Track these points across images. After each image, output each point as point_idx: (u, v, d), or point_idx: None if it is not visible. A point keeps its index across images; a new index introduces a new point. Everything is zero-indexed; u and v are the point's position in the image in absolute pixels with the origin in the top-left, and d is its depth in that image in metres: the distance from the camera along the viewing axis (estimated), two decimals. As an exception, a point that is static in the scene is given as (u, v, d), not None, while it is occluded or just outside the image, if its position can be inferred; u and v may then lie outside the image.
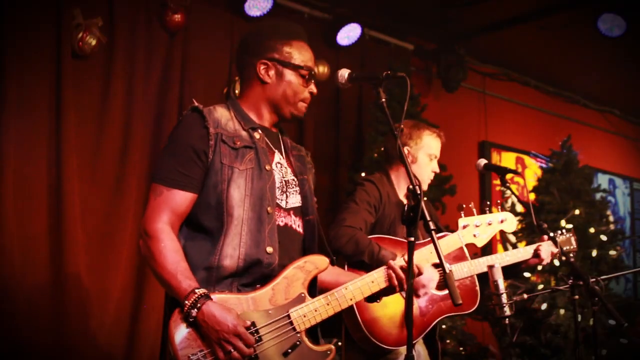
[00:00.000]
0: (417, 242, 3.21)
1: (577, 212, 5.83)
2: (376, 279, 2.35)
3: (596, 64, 6.69)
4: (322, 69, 5.53)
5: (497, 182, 6.53)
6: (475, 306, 3.32)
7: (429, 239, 2.86)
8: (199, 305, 2.07)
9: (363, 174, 5.31)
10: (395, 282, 2.35)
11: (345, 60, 5.73)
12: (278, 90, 2.39)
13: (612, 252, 5.79)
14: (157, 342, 4.41)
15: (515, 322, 5.71)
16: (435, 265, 3.29)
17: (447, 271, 2.10)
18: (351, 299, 2.31)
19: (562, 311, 5.56)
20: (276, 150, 2.42)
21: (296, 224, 2.39)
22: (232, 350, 2.06)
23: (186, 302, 2.08)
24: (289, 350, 2.17)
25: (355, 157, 5.76)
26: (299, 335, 2.21)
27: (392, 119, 2.29)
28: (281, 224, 2.33)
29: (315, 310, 2.24)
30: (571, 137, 6.30)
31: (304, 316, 2.22)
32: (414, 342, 3.15)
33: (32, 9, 4.12)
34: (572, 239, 3.62)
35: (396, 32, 6.16)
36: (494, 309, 3.03)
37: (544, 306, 5.60)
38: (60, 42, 4.20)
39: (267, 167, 2.33)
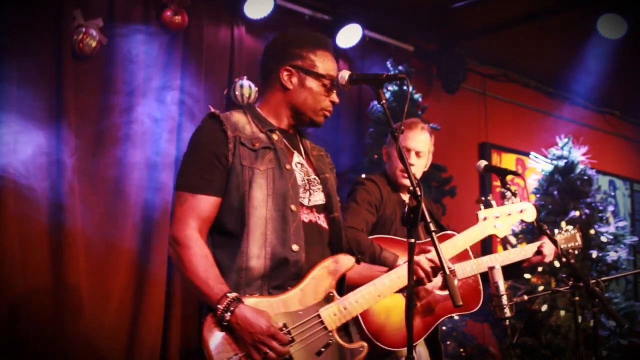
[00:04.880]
0: (424, 240, 3.23)
1: (577, 213, 5.83)
2: (402, 275, 2.38)
3: (596, 65, 6.69)
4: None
5: (497, 183, 6.53)
6: (479, 305, 3.32)
7: (440, 233, 2.87)
8: (231, 308, 2.10)
9: (363, 175, 5.31)
10: (422, 275, 2.43)
11: (345, 62, 5.74)
12: (299, 97, 2.42)
13: (613, 254, 5.79)
14: (157, 342, 4.44)
15: (516, 323, 5.71)
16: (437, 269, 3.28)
17: (447, 272, 2.09)
18: (379, 296, 2.35)
19: (562, 312, 5.56)
20: (295, 151, 2.45)
21: (321, 220, 2.41)
22: (268, 351, 2.09)
23: (219, 306, 2.11)
24: (322, 350, 2.20)
25: (356, 159, 5.76)
26: (330, 334, 2.23)
27: (392, 120, 2.30)
28: (306, 220, 2.35)
29: (345, 309, 2.27)
30: (571, 138, 6.30)
31: (334, 315, 2.24)
32: (415, 343, 3.14)
33: (33, 10, 4.12)
34: (577, 235, 3.61)
35: (396, 33, 6.16)
36: (494, 310, 3.03)
37: (544, 307, 5.60)
38: (61, 43, 4.20)
39: (288, 167, 2.35)
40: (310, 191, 2.40)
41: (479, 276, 3.34)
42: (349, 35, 5.62)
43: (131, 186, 4.44)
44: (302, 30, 2.57)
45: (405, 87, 5.37)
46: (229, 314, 2.09)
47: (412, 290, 2.10)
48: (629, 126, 9.10)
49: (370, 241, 3.09)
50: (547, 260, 3.40)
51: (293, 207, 2.29)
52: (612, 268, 5.78)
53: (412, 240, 2.11)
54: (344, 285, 2.38)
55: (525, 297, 3.23)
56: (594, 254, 5.74)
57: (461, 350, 5.42)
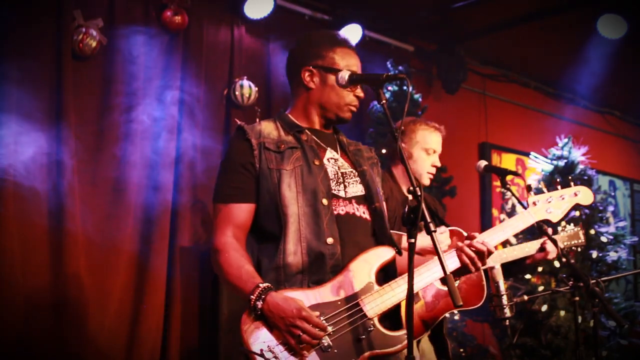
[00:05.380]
0: (448, 228, 3.22)
1: (577, 213, 5.83)
2: (436, 266, 2.36)
3: (596, 65, 6.69)
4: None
5: (498, 183, 6.53)
6: (482, 301, 3.30)
7: (450, 228, 2.84)
8: (263, 297, 2.15)
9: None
10: (467, 261, 2.39)
11: (346, 62, 5.74)
12: (323, 95, 2.46)
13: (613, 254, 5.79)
14: (157, 342, 4.45)
15: (516, 324, 5.71)
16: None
17: (448, 273, 2.08)
18: (418, 284, 2.35)
19: (562, 312, 5.56)
20: (328, 148, 2.48)
21: (360, 211, 2.42)
22: (301, 333, 2.11)
23: (251, 296, 2.16)
24: (363, 337, 2.21)
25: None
26: (371, 321, 2.25)
27: (392, 121, 2.30)
28: (342, 212, 2.37)
29: (385, 296, 2.28)
30: (571, 138, 6.30)
31: (374, 302, 2.26)
32: (418, 339, 3.14)
33: (33, 10, 4.12)
34: (580, 233, 3.61)
35: (396, 34, 6.16)
36: (494, 310, 3.03)
37: (544, 307, 5.60)
38: (61, 44, 4.20)
39: (317, 162, 2.39)
40: (345, 183, 2.43)
41: (482, 272, 3.33)
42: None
43: (131, 186, 4.44)
44: (322, 31, 2.64)
45: (405, 87, 5.37)
46: (260, 302, 2.14)
47: (411, 291, 2.09)
48: (629, 126, 9.11)
49: None
50: (550, 257, 3.40)
51: (325, 201, 2.33)
52: (612, 268, 5.78)
53: (412, 240, 2.11)
54: (391, 276, 2.37)
55: (525, 297, 3.24)
56: (594, 254, 5.74)
57: (461, 350, 5.42)
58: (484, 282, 3.32)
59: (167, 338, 4.49)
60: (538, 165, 6.33)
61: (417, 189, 2.13)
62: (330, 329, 2.18)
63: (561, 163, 6.15)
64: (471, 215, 7.16)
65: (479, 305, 3.29)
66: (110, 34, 4.46)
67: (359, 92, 2.48)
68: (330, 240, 2.30)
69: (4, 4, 3.99)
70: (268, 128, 2.44)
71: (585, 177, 6.11)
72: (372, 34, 5.94)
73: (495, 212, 7.39)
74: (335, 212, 2.35)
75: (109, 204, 4.39)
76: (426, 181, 3.47)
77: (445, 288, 3.16)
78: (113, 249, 4.34)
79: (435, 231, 2.13)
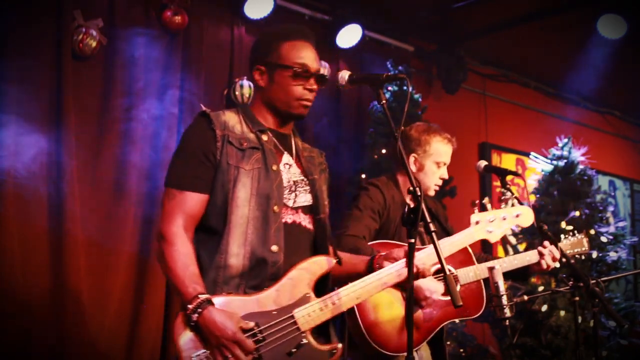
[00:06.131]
0: (418, 247, 3.22)
1: (577, 213, 5.83)
2: (383, 277, 2.35)
3: (596, 66, 6.69)
4: (322, 71, 5.53)
5: (498, 183, 6.52)
6: (481, 311, 3.30)
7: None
8: (199, 310, 2.12)
9: (363, 176, 5.31)
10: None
11: (346, 62, 5.74)
12: (272, 93, 2.42)
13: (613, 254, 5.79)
14: (157, 342, 4.45)
15: (516, 324, 5.71)
16: (437, 272, 3.27)
17: (447, 273, 2.08)
18: (357, 298, 2.32)
19: (562, 312, 5.56)
20: (285, 152, 2.44)
21: (306, 221, 2.41)
22: (230, 356, 2.09)
23: (189, 306, 2.14)
24: (294, 350, 2.19)
25: (356, 159, 5.76)
26: (303, 334, 2.22)
27: (392, 121, 2.28)
28: (289, 221, 2.35)
29: (321, 310, 2.25)
30: (571, 138, 6.30)
31: (309, 315, 2.23)
32: (417, 347, 3.13)
33: (33, 11, 4.12)
34: (584, 240, 3.58)
35: (396, 34, 6.16)
36: (494, 310, 3.03)
37: (544, 307, 5.60)
38: (61, 44, 4.20)
39: (274, 167, 2.35)
40: (296, 192, 2.39)
41: (482, 282, 3.33)
42: (349, 35, 5.62)
43: (131, 186, 4.44)
44: (275, 27, 2.56)
45: (405, 88, 5.37)
46: (196, 315, 2.12)
47: (411, 292, 2.10)
48: (629, 126, 9.11)
49: (370, 249, 3.06)
50: (545, 266, 3.36)
51: (276, 208, 2.30)
52: (612, 268, 5.78)
53: (412, 241, 2.11)
54: (327, 287, 2.36)
55: (525, 297, 3.23)
56: (594, 254, 5.74)
57: (461, 350, 5.42)
58: (484, 293, 3.31)
59: (167, 338, 4.49)
60: (538, 165, 6.33)
61: (417, 189, 2.13)
62: (266, 346, 2.15)
63: (561, 163, 6.15)
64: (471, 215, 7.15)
65: (477, 315, 3.28)
66: (110, 34, 4.46)
67: (311, 84, 2.40)
68: (274, 248, 2.27)
69: (4, 4, 3.99)
70: (232, 120, 2.39)
71: (585, 177, 6.12)
72: (372, 34, 5.95)
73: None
74: (283, 221, 2.32)
75: (109, 204, 4.39)
76: (432, 193, 3.44)
77: (445, 298, 3.18)
78: (113, 249, 4.34)
79: (435, 231, 2.13)
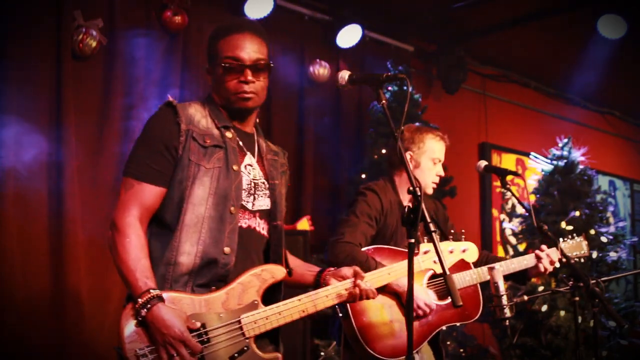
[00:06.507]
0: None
1: (577, 213, 5.83)
2: (329, 296, 2.35)
3: (596, 65, 6.69)
4: (322, 71, 5.54)
5: (498, 183, 6.53)
6: (478, 315, 3.30)
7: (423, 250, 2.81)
8: (149, 306, 2.09)
9: (363, 176, 5.31)
10: (354, 297, 2.37)
11: (346, 62, 5.75)
12: (214, 91, 2.42)
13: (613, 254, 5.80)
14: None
15: (516, 324, 5.72)
16: (432, 277, 3.27)
17: (447, 273, 2.08)
18: (303, 312, 2.31)
19: (562, 312, 5.56)
20: (248, 152, 2.41)
21: (261, 226, 2.39)
22: (175, 355, 2.08)
23: (139, 300, 2.10)
24: (236, 355, 2.18)
25: (356, 159, 5.76)
26: (247, 341, 2.21)
27: (392, 121, 2.28)
28: (244, 225, 2.33)
29: (267, 319, 2.24)
30: (571, 138, 6.31)
31: (255, 322, 2.22)
32: (415, 350, 3.13)
33: (33, 11, 4.12)
34: (584, 243, 3.58)
35: (396, 34, 6.17)
36: (494, 310, 3.03)
37: (544, 308, 5.61)
38: (61, 44, 4.20)
39: (235, 168, 2.32)
40: (255, 195, 2.37)
41: (478, 285, 3.33)
42: (349, 35, 5.63)
43: (131, 186, 4.44)
44: (220, 24, 2.49)
45: (405, 88, 5.37)
46: (145, 310, 2.09)
47: (411, 292, 2.09)
48: (629, 126, 9.12)
49: (365, 257, 3.06)
50: (542, 270, 3.36)
51: (233, 209, 2.28)
52: (612, 268, 5.78)
53: (412, 241, 2.11)
54: (278, 295, 2.35)
55: (525, 298, 3.23)
56: (594, 254, 5.74)
57: (461, 350, 5.42)
58: (480, 296, 3.31)
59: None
60: (538, 165, 6.33)
61: (417, 189, 2.12)
62: (210, 348, 2.14)
63: (561, 163, 6.16)
64: (471, 215, 7.17)
65: (475, 318, 3.28)
66: (111, 34, 4.46)
67: (246, 75, 2.34)
68: (227, 249, 2.24)
69: (4, 4, 3.99)
70: (198, 114, 2.34)
71: (585, 177, 6.12)
72: (372, 34, 5.95)
73: (495, 212, 7.40)
74: (238, 224, 2.29)
75: (109, 205, 4.38)
76: (430, 191, 3.43)
77: (441, 303, 3.18)
78: (113, 249, 4.33)
79: (435, 231, 2.13)
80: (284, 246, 2.46)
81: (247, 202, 2.34)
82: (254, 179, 2.38)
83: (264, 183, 2.40)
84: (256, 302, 2.25)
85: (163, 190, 2.26)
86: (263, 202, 2.39)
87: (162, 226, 2.26)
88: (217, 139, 2.32)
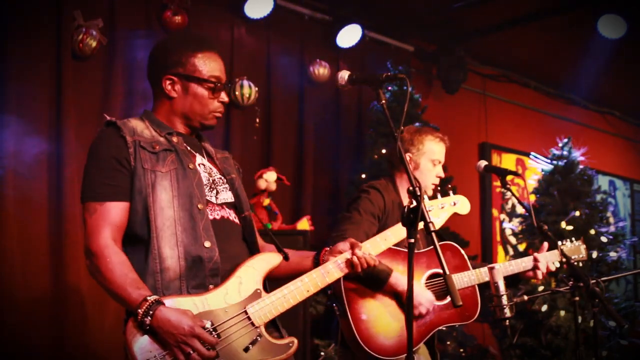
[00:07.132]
0: (423, 250, 3.21)
1: (577, 213, 5.83)
2: (330, 269, 2.35)
3: (596, 65, 6.69)
4: (322, 71, 5.54)
5: (498, 183, 6.53)
6: (476, 316, 3.29)
7: (441, 243, 2.82)
8: (151, 312, 2.05)
9: (363, 176, 5.31)
10: (350, 270, 2.36)
11: (346, 62, 5.75)
12: (186, 105, 2.39)
13: (613, 254, 5.80)
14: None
15: (516, 324, 5.72)
16: (430, 277, 3.27)
17: (447, 273, 2.08)
18: (308, 291, 2.31)
19: (562, 312, 5.56)
20: (197, 154, 2.42)
21: (232, 216, 2.40)
22: (192, 352, 2.05)
23: (139, 310, 2.06)
24: (250, 346, 2.18)
25: (356, 159, 5.76)
26: (258, 330, 2.21)
27: (392, 121, 2.28)
28: (217, 217, 2.33)
29: (272, 304, 2.25)
30: (571, 138, 6.31)
31: (261, 310, 2.23)
32: (413, 349, 3.13)
33: (33, 11, 4.12)
34: (582, 247, 3.57)
35: (396, 34, 6.17)
36: (494, 310, 3.02)
37: (544, 308, 5.61)
38: (61, 44, 4.21)
39: (191, 166, 2.33)
40: (217, 189, 2.38)
41: (476, 286, 3.32)
42: (349, 35, 5.63)
43: (131, 186, 4.44)
44: (183, 34, 2.54)
45: (405, 88, 5.37)
46: (149, 318, 2.05)
47: (411, 293, 2.09)
48: (629, 126, 9.11)
49: None
50: (540, 276, 3.36)
51: (200, 205, 2.27)
52: (612, 268, 5.78)
53: (412, 241, 2.10)
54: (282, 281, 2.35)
55: (525, 297, 3.23)
56: (594, 254, 5.74)
57: (461, 350, 5.42)
58: (479, 297, 3.31)
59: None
60: (538, 165, 6.33)
61: (417, 189, 2.12)
62: (221, 344, 2.12)
63: (561, 163, 6.16)
64: (471, 215, 7.15)
65: (473, 319, 3.28)
66: (111, 34, 4.46)
67: (224, 97, 2.40)
68: (207, 243, 2.24)
69: (4, 4, 3.99)
70: (139, 126, 2.33)
71: (585, 177, 6.12)
72: (372, 34, 5.95)
73: (495, 212, 7.40)
74: (210, 217, 2.29)
75: (109, 204, 4.38)
76: (429, 192, 3.43)
77: (439, 303, 3.18)
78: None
79: (435, 231, 2.13)
80: (257, 235, 2.48)
81: (211, 196, 2.34)
82: (210, 175, 2.39)
83: (221, 178, 2.42)
84: (259, 290, 2.26)
85: (127, 205, 2.23)
86: (226, 195, 2.40)
87: (136, 241, 2.23)
88: (165, 144, 2.32)
